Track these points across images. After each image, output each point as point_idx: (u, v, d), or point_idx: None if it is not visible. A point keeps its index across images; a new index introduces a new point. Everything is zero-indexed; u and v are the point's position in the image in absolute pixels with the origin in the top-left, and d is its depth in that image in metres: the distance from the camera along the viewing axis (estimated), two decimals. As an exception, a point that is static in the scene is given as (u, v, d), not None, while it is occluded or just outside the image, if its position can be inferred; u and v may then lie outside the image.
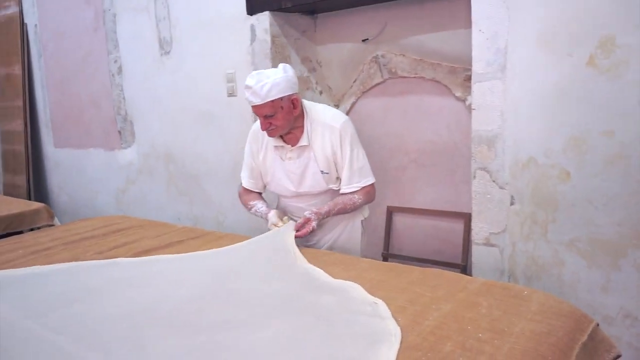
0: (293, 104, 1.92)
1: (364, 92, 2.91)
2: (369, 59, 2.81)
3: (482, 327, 1.14)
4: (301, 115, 1.99)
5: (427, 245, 2.82)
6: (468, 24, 2.13)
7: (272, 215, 2.01)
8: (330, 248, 2.13)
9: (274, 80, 1.85)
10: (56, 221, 2.97)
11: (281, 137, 2.03)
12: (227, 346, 1.09)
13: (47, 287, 1.53)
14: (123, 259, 1.80)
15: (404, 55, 2.68)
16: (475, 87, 2.08)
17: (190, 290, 1.42)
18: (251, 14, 2.76)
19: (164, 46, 3.32)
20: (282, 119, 1.90)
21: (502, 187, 2.08)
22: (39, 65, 4.46)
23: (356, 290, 1.38)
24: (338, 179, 2.06)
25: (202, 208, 3.36)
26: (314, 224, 1.91)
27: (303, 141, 1.99)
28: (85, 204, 4.29)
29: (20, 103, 4.55)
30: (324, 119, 2.00)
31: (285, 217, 2.04)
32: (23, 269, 1.71)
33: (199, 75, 3.12)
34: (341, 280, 1.45)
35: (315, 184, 2.04)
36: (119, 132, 3.82)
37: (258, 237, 1.95)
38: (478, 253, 2.21)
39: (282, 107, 1.88)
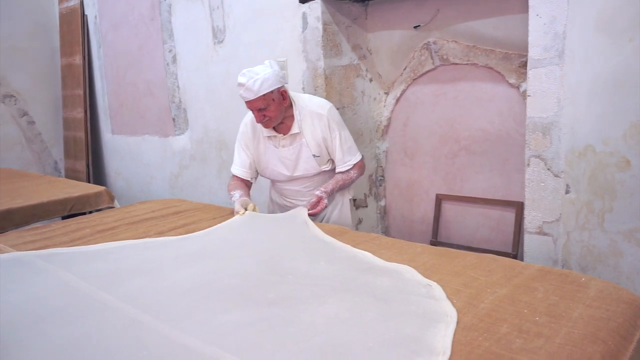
0: (282, 95, 2.11)
1: (414, 79, 2.91)
2: (420, 45, 2.80)
3: (538, 311, 1.15)
4: (290, 106, 2.17)
5: (477, 233, 2.80)
6: (524, 8, 2.09)
7: (237, 204, 2.16)
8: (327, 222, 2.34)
9: (264, 75, 2.02)
10: (116, 203, 3.12)
11: (273, 127, 2.19)
12: (290, 320, 1.14)
13: (117, 262, 1.63)
14: (192, 234, 1.90)
15: (456, 42, 2.66)
16: (531, 73, 2.04)
17: (246, 268, 1.48)
18: (303, 2, 2.79)
19: (218, 35, 3.40)
20: (275, 110, 2.08)
21: (557, 175, 2.04)
22: (98, 55, 4.66)
23: (409, 272, 1.41)
24: (329, 160, 2.27)
25: (252, 193, 3.44)
26: (325, 201, 2.11)
27: (294, 129, 2.17)
28: (141, 189, 4.47)
29: (80, 92, 4.77)
30: (311, 107, 2.20)
31: (250, 205, 2.16)
32: (94, 245, 1.83)
33: (251, 63, 3.16)
34: (393, 263, 1.48)
35: (308, 167, 2.24)
36: (173, 119, 3.96)
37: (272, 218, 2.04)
38: (530, 242, 2.18)
39: (273, 100, 2.06)
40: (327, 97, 2.83)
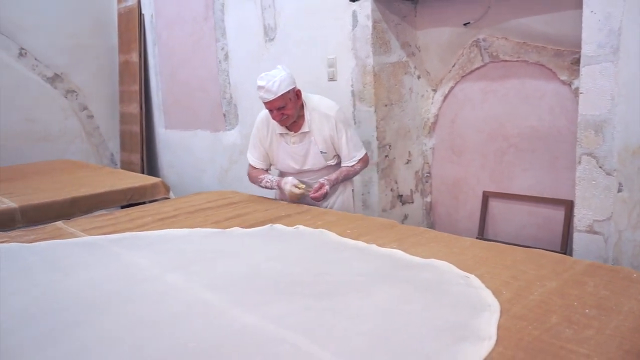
0: (297, 95, 2.33)
1: (462, 76, 2.92)
2: (470, 42, 2.81)
3: (588, 304, 1.17)
4: (301, 107, 2.39)
5: (524, 231, 2.79)
6: (577, 4, 2.08)
7: (289, 185, 2.38)
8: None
9: (281, 77, 2.24)
10: (171, 194, 3.27)
11: (285, 125, 2.41)
12: (336, 310, 1.21)
13: (179, 247, 1.75)
14: (237, 228, 2.00)
15: (506, 39, 2.65)
16: (584, 70, 2.03)
17: (280, 268, 1.53)
18: (354, 1, 2.85)
19: (269, 33, 3.50)
20: (292, 108, 2.30)
21: (609, 174, 2.03)
22: (154, 52, 4.86)
23: (446, 266, 1.45)
24: (335, 156, 2.49)
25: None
26: (327, 187, 2.35)
27: (304, 128, 2.40)
28: (192, 182, 4.64)
29: (136, 88, 4.99)
30: (321, 109, 2.41)
31: (300, 185, 2.40)
32: (157, 231, 1.96)
33: (301, 61, 3.27)
34: (429, 259, 1.51)
35: (316, 162, 2.47)
36: (224, 114, 4.10)
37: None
38: (580, 240, 2.17)
39: (290, 99, 2.28)
40: (376, 94, 2.88)
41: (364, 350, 1.03)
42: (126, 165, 5.20)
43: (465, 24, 2.77)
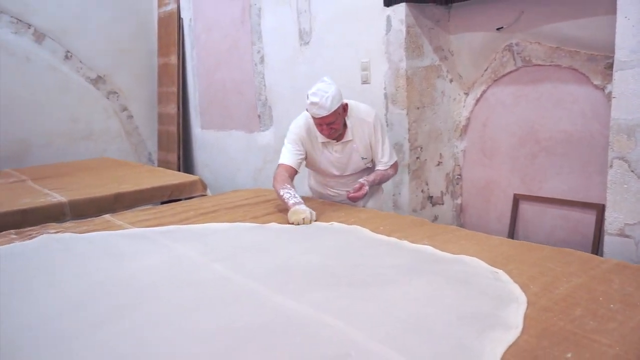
0: (344, 109, 2.35)
1: (495, 80, 2.96)
2: (503, 47, 2.85)
3: (613, 299, 1.22)
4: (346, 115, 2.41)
5: (554, 234, 2.81)
6: (611, 9, 2.11)
7: (293, 215, 2.14)
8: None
9: (332, 93, 2.22)
10: (208, 192, 3.41)
11: None
12: (371, 298, 1.30)
13: (222, 240, 1.86)
14: (274, 224, 2.10)
15: (539, 43, 2.69)
16: (617, 75, 2.06)
17: (314, 261, 1.63)
18: (388, 5, 2.93)
19: (304, 37, 3.61)
20: (340, 123, 2.33)
21: (641, 177, 2.04)
22: (192, 55, 5.03)
23: (476, 262, 1.52)
24: (372, 159, 2.55)
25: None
26: (366, 188, 2.36)
27: (347, 137, 2.42)
28: (227, 181, 4.78)
29: (174, 89, 5.18)
30: (360, 115, 2.43)
31: (307, 211, 2.16)
32: (200, 224, 2.08)
33: (335, 64, 3.37)
34: (459, 255, 1.58)
35: (356, 168, 2.53)
36: (259, 116, 4.22)
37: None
38: (610, 244, 2.19)
39: (339, 114, 2.29)
40: (408, 97, 2.95)
41: (397, 334, 1.11)
42: (163, 164, 5.39)
43: (498, 29, 2.81)
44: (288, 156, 2.44)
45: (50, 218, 2.69)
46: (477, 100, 3.08)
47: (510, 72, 2.87)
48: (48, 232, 2.05)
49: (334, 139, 2.42)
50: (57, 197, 2.92)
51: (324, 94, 2.21)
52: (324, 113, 2.22)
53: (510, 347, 1.04)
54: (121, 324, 1.23)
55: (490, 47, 2.91)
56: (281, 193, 2.29)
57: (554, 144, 2.74)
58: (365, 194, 2.37)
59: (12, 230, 2.16)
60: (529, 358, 1.00)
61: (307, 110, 2.31)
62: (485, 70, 2.99)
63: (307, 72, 3.62)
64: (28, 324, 1.26)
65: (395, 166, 2.58)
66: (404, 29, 2.89)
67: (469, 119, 3.15)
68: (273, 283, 1.42)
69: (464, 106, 3.16)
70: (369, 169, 2.58)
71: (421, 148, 3.08)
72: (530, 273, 1.40)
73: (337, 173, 2.53)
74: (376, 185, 2.56)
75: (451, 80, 3.14)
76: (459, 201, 3.30)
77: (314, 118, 2.30)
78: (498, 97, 2.97)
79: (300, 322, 1.18)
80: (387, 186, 3.07)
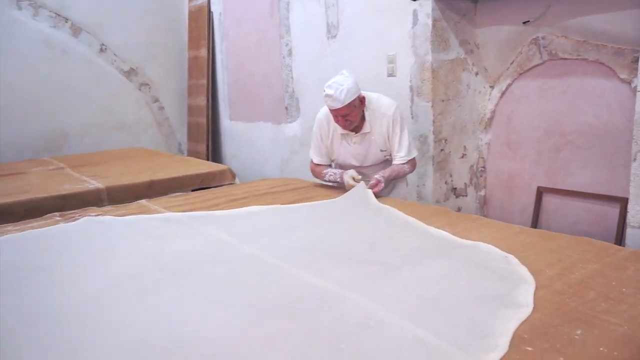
0: (361, 101, 2.43)
1: (520, 74, 2.98)
2: (529, 40, 2.87)
3: (627, 284, 1.27)
4: (364, 108, 2.49)
5: (577, 227, 2.83)
6: (638, 3, 2.12)
7: (349, 175, 2.46)
8: None
9: (347, 86, 2.31)
10: (237, 181, 3.52)
11: None
12: (390, 277, 1.38)
13: (252, 223, 1.97)
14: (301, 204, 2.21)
15: (566, 37, 2.70)
16: (642, 68, 2.07)
17: (338, 239, 1.73)
18: (415, 0, 2.97)
19: (331, 30, 3.68)
20: (356, 115, 2.42)
21: (665, 171, 2.06)
22: (221, 48, 5.15)
23: (487, 247, 1.59)
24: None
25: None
26: (382, 184, 2.41)
27: (365, 129, 2.51)
28: (254, 171, 4.90)
29: (204, 81, 5.31)
30: (380, 109, 2.50)
31: (359, 178, 2.47)
32: (230, 210, 2.19)
33: (362, 57, 3.43)
34: (476, 242, 1.65)
35: (375, 159, 2.61)
36: (286, 107, 4.31)
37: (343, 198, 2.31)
38: (633, 236, 2.22)
39: (355, 106, 2.37)
40: (433, 90, 3.00)
41: (415, 309, 1.19)
42: (192, 155, 5.53)
43: (524, 22, 2.83)
44: (317, 152, 2.69)
45: (89, 203, 2.83)
46: (503, 94, 3.11)
47: (536, 65, 2.89)
48: (89, 215, 2.18)
49: (352, 131, 2.51)
50: (95, 184, 3.07)
51: (339, 87, 2.30)
52: (338, 105, 2.31)
53: (522, 323, 1.10)
54: (164, 294, 1.35)
55: (517, 41, 2.93)
56: (327, 178, 2.61)
57: (578, 137, 2.75)
58: (381, 190, 2.42)
59: (56, 213, 2.30)
60: (540, 334, 1.07)
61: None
62: (511, 63, 3.02)
63: (334, 64, 3.69)
64: (85, 294, 1.39)
65: (412, 163, 2.60)
66: (430, 22, 2.94)
67: (494, 111, 3.18)
68: (300, 261, 1.52)
69: (489, 99, 3.19)
70: (389, 162, 2.63)
71: (445, 140, 3.13)
72: (548, 259, 1.46)
73: (356, 164, 2.62)
74: (392, 180, 2.59)
75: (477, 74, 3.17)
76: (482, 193, 3.34)
77: (329, 110, 2.41)
78: (523, 90, 2.99)
79: (324, 296, 1.28)
80: (411, 177, 3.14)
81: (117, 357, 1.07)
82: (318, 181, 2.91)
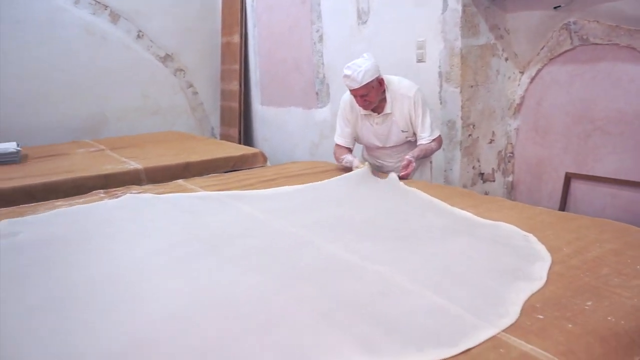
0: (380, 83, 2.53)
1: (550, 59, 2.98)
2: (560, 26, 2.86)
3: (641, 262, 1.33)
4: (384, 90, 2.58)
5: (605, 213, 2.84)
6: (672, -12, 2.11)
7: (356, 160, 2.67)
8: None
9: (365, 67, 2.43)
10: (268, 164, 3.64)
11: None
12: (414, 251, 1.48)
13: (280, 201, 2.08)
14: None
15: (597, 22, 2.69)
16: (673, 54, 2.07)
17: (364, 215, 1.85)
18: (444, -14, 3.00)
19: (362, 16, 3.73)
20: (374, 96, 2.52)
21: (693, 156, 2.07)
22: (253, 34, 5.25)
23: (508, 226, 1.66)
24: (414, 133, 2.68)
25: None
26: (414, 164, 2.53)
27: (387, 110, 2.61)
28: (285, 155, 5.01)
29: (236, 67, 5.43)
30: (401, 90, 2.61)
31: (366, 162, 2.67)
32: (262, 190, 2.30)
33: (391, 43, 3.48)
34: (498, 222, 1.72)
35: (397, 140, 2.70)
36: (317, 93, 4.40)
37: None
38: (659, 222, 2.23)
39: (373, 87, 2.48)
40: (462, 76, 3.03)
41: (435, 280, 1.27)
42: (225, 138, 5.67)
43: (555, 7, 2.83)
44: (340, 133, 2.80)
45: (128, 182, 2.98)
46: (532, 79, 3.11)
47: (567, 51, 2.88)
48: (131, 192, 2.33)
49: (374, 112, 2.63)
50: (134, 165, 3.23)
51: (357, 68, 2.43)
52: (355, 85, 2.44)
53: (535, 294, 1.18)
54: (202, 263, 1.48)
55: (547, 26, 2.93)
56: (342, 162, 2.75)
57: (608, 123, 2.75)
58: (414, 169, 2.54)
59: (100, 190, 2.46)
60: (551, 304, 1.14)
61: None
62: (542, 49, 3.01)
63: (364, 50, 3.71)
64: (129, 262, 1.53)
65: (438, 140, 2.70)
66: (460, 8, 2.96)
67: (523, 97, 3.19)
68: (326, 236, 1.63)
69: (518, 85, 3.20)
70: (411, 143, 2.72)
71: (473, 126, 3.16)
72: (566, 238, 1.51)
73: (379, 144, 2.74)
74: (421, 159, 2.69)
75: (506, 59, 3.18)
76: (510, 179, 3.36)
77: (349, 90, 2.54)
78: (553, 76, 2.99)
79: (348, 266, 1.38)
80: (438, 162, 3.19)
81: (160, 317, 1.19)
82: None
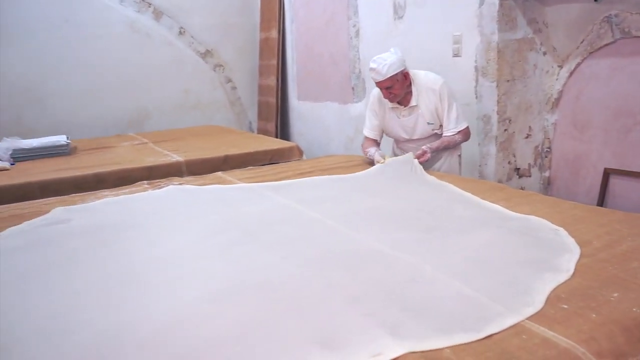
0: (404, 76, 2.62)
1: (590, 53, 2.93)
2: (600, 19, 2.82)
3: (672, 258, 1.33)
4: (410, 84, 2.67)
5: (645, 209, 2.79)
6: None
7: (377, 155, 2.76)
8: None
9: (390, 61, 2.54)
10: (304, 158, 3.71)
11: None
12: (442, 241, 1.53)
13: (314, 191, 2.17)
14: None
15: (640, 14, 2.63)
16: None
17: (395, 206, 1.91)
18: (481, -21, 2.99)
19: (398, 11, 3.75)
20: (399, 89, 2.61)
21: None
22: (291, 29, 5.33)
23: (539, 220, 1.67)
24: (440, 126, 2.74)
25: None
26: (428, 155, 2.61)
27: (413, 102, 2.69)
28: (320, 149, 5.08)
29: (274, 62, 5.52)
30: (427, 84, 2.69)
31: (387, 156, 2.75)
32: (296, 179, 2.39)
33: (427, 37, 3.48)
34: (528, 215, 1.74)
35: (423, 132, 2.76)
36: (352, 88, 4.44)
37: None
38: (701, 218, 2.19)
39: (397, 80, 2.57)
40: (499, 70, 3.02)
41: (460, 269, 1.32)
42: (262, 133, 5.78)
43: (596, 0, 2.78)
44: (368, 125, 2.91)
45: (170, 174, 3.11)
46: (571, 73, 3.07)
47: (608, 44, 2.83)
48: (173, 184, 2.45)
49: (400, 104, 2.73)
50: (176, 157, 3.37)
51: (382, 62, 2.55)
52: (380, 78, 2.55)
53: (561, 285, 1.20)
54: (240, 249, 1.57)
55: (588, 19, 2.88)
56: (367, 155, 2.86)
57: (649, 118, 2.69)
58: (427, 160, 2.63)
59: (144, 181, 2.59)
60: (577, 294, 1.16)
61: None
62: (581, 42, 2.97)
63: (400, 45, 3.72)
64: (172, 248, 1.64)
65: (464, 132, 2.75)
66: (497, 1, 2.94)
67: (561, 91, 3.15)
68: (357, 225, 1.71)
69: (557, 79, 3.16)
70: (437, 136, 2.78)
71: (510, 120, 3.14)
72: (597, 232, 1.52)
73: (406, 137, 2.82)
74: (441, 151, 2.77)
75: (544, 53, 3.14)
76: (547, 174, 3.33)
77: (374, 82, 2.64)
78: (593, 69, 2.94)
79: (378, 255, 1.45)
80: (473, 156, 3.20)
81: (200, 300, 1.27)
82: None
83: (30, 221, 1.94)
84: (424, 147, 2.66)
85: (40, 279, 1.42)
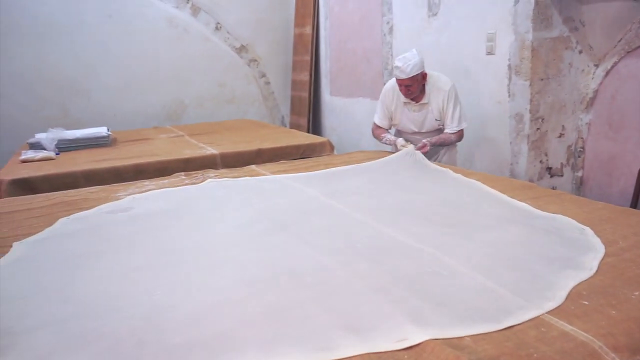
0: (423, 77, 2.91)
1: (628, 52, 2.89)
2: (639, 18, 2.77)
3: (698, 258, 1.34)
4: (425, 83, 2.94)
5: (681, 212, 2.74)
6: None
7: (401, 140, 3.01)
8: None
9: (414, 61, 2.80)
10: (335, 153, 3.77)
11: None
12: (467, 236, 1.57)
13: (340, 183, 2.24)
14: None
15: (680, 14, 2.59)
16: None
17: (427, 199, 1.97)
18: (517, -22, 2.98)
19: (432, 8, 3.76)
20: (417, 87, 2.90)
21: None
22: (325, 25, 5.38)
23: (566, 219, 1.69)
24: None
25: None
26: (428, 147, 2.89)
27: (424, 100, 2.99)
28: (351, 144, 5.14)
29: (308, 57, 5.59)
30: (438, 84, 2.97)
31: (409, 143, 2.96)
32: (325, 170, 2.48)
33: (461, 35, 3.49)
34: (555, 214, 1.76)
35: (430, 127, 3.07)
36: (384, 84, 4.46)
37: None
38: None
39: (417, 80, 2.86)
40: (532, 68, 3.01)
41: (486, 264, 1.36)
42: (294, 127, 5.87)
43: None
44: (381, 115, 3.19)
45: (205, 166, 3.22)
46: (608, 72, 3.03)
47: (646, 43, 2.79)
48: (209, 176, 2.55)
49: (413, 100, 2.98)
50: (211, 150, 3.48)
51: (407, 61, 2.81)
52: (403, 76, 2.82)
53: (583, 282, 1.23)
54: (271, 239, 1.67)
55: (626, 18, 2.84)
56: (383, 140, 3.14)
57: (687, 119, 2.65)
58: (426, 152, 2.88)
59: (181, 173, 2.70)
60: (598, 292, 1.19)
61: None
62: (619, 41, 2.93)
63: (434, 42, 3.78)
64: (209, 237, 1.75)
65: (459, 134, 3.03)
66: (532, 0, 2.93)
67: (597, 91, 3.11)
68: (383, 218, 1.78)
69: (592, 78, 3.13)
70: (442, 131, 3.06)
71: (542, 119, 3.13)
72: (624, 232, 1.53)
73: (414, 129, 3.10)
74: (437, 146, 3.05)
75: (580, 52, 3.11)
76: (579, 174, 3.30)
77: (396, 79, 2.89)
78: (630, 69, 2.90)
79: (404, 248, 1.50)
80: (504, 155, 3.20)
81: (236, 285, 1.36)
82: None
83: (102, 206, 2.15)
84: (424, 140, 2.94)
85: (94, 261, 1.56)
